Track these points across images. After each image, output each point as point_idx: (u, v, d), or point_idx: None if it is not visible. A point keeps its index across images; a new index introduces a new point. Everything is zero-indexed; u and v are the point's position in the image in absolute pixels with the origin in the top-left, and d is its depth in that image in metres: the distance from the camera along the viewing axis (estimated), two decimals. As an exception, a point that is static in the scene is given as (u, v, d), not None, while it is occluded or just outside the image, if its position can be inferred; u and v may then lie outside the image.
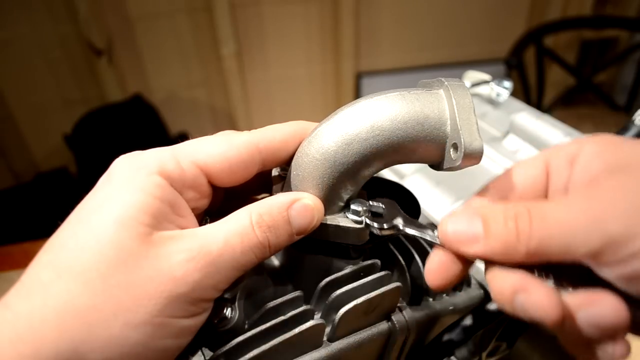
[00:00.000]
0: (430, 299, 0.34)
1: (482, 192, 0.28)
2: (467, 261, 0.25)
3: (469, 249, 0.24)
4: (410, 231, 0.28)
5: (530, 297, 0.22)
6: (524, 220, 0.23)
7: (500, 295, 0.23)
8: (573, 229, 0.21)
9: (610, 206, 0.21)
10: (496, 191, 0.27)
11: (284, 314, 0.27)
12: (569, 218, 0.22)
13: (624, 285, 0.22)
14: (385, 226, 0.28)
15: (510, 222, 0.23)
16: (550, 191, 0.26)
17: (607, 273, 0.22)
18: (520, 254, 0.23)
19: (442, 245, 0.25)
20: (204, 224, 0.27)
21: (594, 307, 0.22)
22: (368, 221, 0.28)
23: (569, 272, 0.23)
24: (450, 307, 0.35)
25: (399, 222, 0.28)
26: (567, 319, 0.22)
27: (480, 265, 0.41)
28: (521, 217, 0.23)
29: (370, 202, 0.29)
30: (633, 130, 0.44)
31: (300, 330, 0.26)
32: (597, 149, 0.25)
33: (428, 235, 0.27)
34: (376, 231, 0.28)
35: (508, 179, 0.27)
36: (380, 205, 0.29)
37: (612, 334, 0.22)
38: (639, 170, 0.22)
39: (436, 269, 0.25)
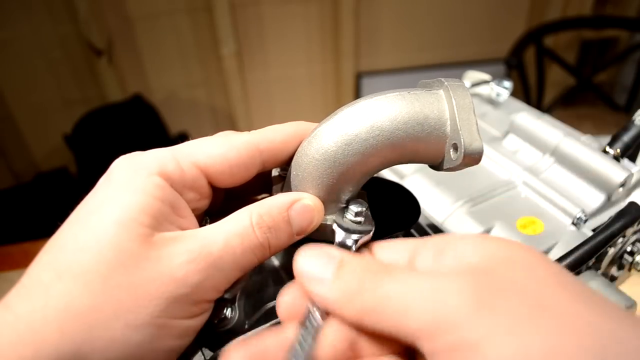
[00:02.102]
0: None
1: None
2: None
3: (313, 287, 0.22)
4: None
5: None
6: (376, 276, 0.21)
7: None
8: (413, 296, 0.19)
9: (456, 287, 0.19)
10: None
11: (284, 314, 0.27)
12: (415, 285, 0.20)
13: None
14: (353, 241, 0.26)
15: (364, 274, 0.21)
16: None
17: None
18: (355, 309, 0.21)
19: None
20: (204, 225, 0.27)
21: None
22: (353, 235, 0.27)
23: None
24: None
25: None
26: None
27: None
28: (376, 273, 0.21)
29: (356, 199, 0.28)
30: (633, 130, 0.44)
31: (300, 330, 0.26)
32: (474, 244, 0.22)
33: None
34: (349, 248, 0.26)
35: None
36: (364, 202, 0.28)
37: None
38: (504, 265, 0.20)
39: (288, 305, 0.23)
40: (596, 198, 0.42)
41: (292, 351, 0.21)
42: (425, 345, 0.19)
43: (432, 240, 0.23)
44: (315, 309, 0.22)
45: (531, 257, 0.20)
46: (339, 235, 0.26)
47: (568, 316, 0.17)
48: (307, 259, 0.23)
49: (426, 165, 0.28)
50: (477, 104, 0.59)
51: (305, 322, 0.22)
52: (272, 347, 0.22)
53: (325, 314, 0.22)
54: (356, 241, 0.26)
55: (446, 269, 0.21)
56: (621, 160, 0.43)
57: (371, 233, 0.26)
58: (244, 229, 0.25)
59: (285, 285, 0.24)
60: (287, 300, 0.23)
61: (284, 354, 0.21)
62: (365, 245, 0.26)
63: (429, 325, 0.18)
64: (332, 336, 0.21)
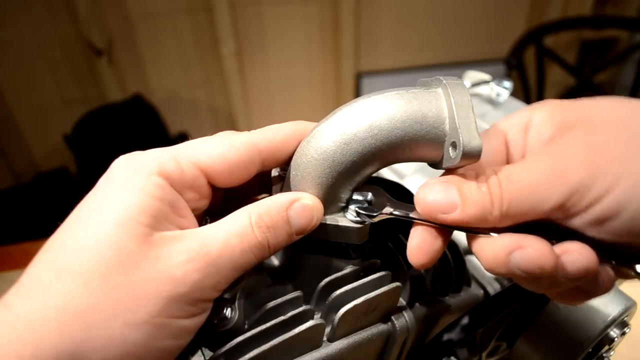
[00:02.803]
0: (430, 299, 0.34)
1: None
2: (446, 235, 0.26)
3: (448, 217, 0.25)
4: (397, 213, 0.28)
5: (526, 252, 0.23)
6: (495, 185, 0.24)
7: (494, 261, 0.24)
8: (538, 185, 0.23)
9: (567, 158, 0.23)
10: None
11: (283, 314, 0.27)
12: (532, 176, 0.23)
13: (594, 232, 0.24)
14: (375, 213, 0.28)
15: (483, 188, 0.24)
16: (512, 160, 0.28)
17: (576, 223, 0.24)
18: (495, 217, 0.24)
19: (423, 221, 0.26)
20: (204, 224, 0.27)
21: (569, 253, 0.23)
22: (358, 212, 0.28)
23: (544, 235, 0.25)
24: (450, 307, 0.35)
25: (387, 207, 0.28)
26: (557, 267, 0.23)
27: (473, 258, 0.41)
28: (492, 182, 0.24)
29: (356, 194, 0.29)
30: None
31: (300, 330, 0.26)
32: (546, 114, 0.26)
33: (416, 214, 0.27)
34: (368, 219, 0.28)
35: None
36: (368, 193, 0.29)
37: (586, 275, 0.23)
38: (587, 124, 0.24)
39: (418, 246, 0.26)
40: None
41: None
42: (561, 214, 0.23)
43: (512, 122, 0.28)
44: None
45: (607, 103, 0.25)
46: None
47: None
48: (429, 193, 0.25)
49: (426, 165, 0.28)
50: (477, 104, 0.59)
51: None
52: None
53: None
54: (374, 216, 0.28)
55: (536, 147, 0.26)
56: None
57: (389, 206, 0.28)
58: (243, 228, 0.25)
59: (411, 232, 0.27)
60: (415, 243, 0.26)
61: None
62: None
63: (561, 200, 0.23)
64: None
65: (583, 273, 0.23)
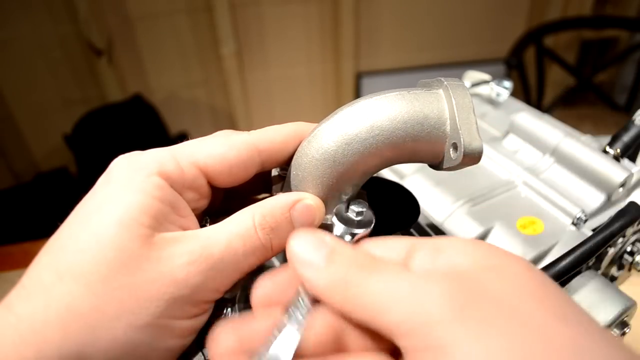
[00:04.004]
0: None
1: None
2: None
3: (302, 270, 0.22)
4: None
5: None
6: (363, 269, 0.21)
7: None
8: (391, 293, 0.19)
9: (435, 288, 0.19)
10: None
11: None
12: (396, 283, 0.20)
13: None
14: (357, 231, 0.26)
15: (352, 265, 0.21)
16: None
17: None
18: (339, 299, 0.21)
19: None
20: (204, 225, 0.27)
21: None
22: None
23: None
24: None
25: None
26: None
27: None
28: (364, 266, 0.21)
29: (356, 199, 0.28)
30: (633, 130, 0.44)
31: (300, 330, 0.26)
32: (466, 248, 0.22)
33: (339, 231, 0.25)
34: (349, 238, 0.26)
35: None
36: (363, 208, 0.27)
37: None
38: (488, 270, 0.20)
39: (268, 290, 0.23)
40: (596, 198, 0.42)
41: (276, 334, 0.21)
42: (400, 342, 0.19)
43: (430, 241, 0.23)
44: (304, 294, 0.22)
45: (519, 267, 0.20)
46: (338, 228, 0.26)
47: (540, 327, 0.17)
48: (301, 242, 0.22)
49: (426, 165, 0.28)
50: (477, 104, 0.59)
51: (291, 307, 0.22)
52: (262, 330, 0.21)
53: (314, 301, 0.22)
54: (353, 235, 0.25)
55: (434, 272, 0.21)
56: (621, 160, 0.43)
57: (370, 229, 0.26)
58: (246, 230, 0.25)
59: (263, 274, 0.23)
60: (267, 285, 0.23)
61: (267, 337, 0.21)
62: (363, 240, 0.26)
63: (404, 324, 0.19)
64: (320, 323, 0.21)
65: None
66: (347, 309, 0.21)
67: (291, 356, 0.20)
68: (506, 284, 0.19)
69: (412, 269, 0.22)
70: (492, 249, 0.22)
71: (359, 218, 0.27)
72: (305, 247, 0.22)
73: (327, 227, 0.28)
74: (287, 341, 0.20)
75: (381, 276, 0.20)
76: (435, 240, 0.23)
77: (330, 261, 0.21)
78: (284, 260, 0.34)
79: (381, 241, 0.24)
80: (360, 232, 0.26)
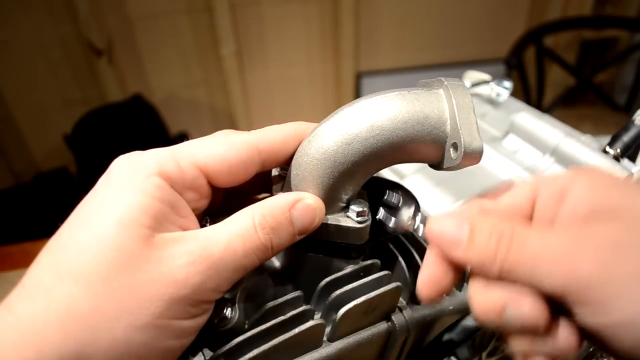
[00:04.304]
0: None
1: (468, 206, 0.27)
2: (457, 271, 0.25)
3: (449, 251, 0.24)
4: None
5: (521, 309, 0.22)
6: (505, 241, 0.23)
7: (487, 310, 0.23)
8: (541, 261, 0.22)
9: (584, 249, 0.21)
10: (480, 207, 0.26)
11: (284, 314, 0.27)
12: (542, 251, 0.22)
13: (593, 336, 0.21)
14: (403, 223, 0.27)
15: (494, 238, 0.23)
16: (535, 220, 0.25)
17: (579, 316, 0.21)
18: (493, 272, 0.23)
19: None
20: (204, 225, 0.27)
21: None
22: (381, 217, 0.28)
23: None
24: (450, 307, 0.35)
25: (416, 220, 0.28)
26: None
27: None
28: (504, 237, 0.23)
29: (388, 194, 0.29)
30: (633, 130, 0.44)
31: (300, 330, 0.26)
32: (588, 188, 0.24)
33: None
34: (390, 229, 0.28)
35: (494, 198, 0.26)
36: (396, 195, 0.28)
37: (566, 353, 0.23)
38: (624, 219, 0.22)
39: (429, 279, 0.25)
40: (596, 198, 0.42)
41: None
42: (561, 299, 0.21)
43: (549, 184, 0.25)
44: None
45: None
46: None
47: None
48: (440, 223, 0.24)
49: (426, 165, 0.28)
50: (477, 104, 0.59)
51: None
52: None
53: None
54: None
55: (566, 222, 0.23)
56: (621, 160, 0.43)
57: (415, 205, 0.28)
58: (246, 230, 0.25)
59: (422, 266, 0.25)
60: (425, 275, 0.25)
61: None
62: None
63: (561, 288, 0.21)
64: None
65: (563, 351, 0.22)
66: (502, 278, 0.23)
67: None
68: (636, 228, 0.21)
69: (540, 221, 0.24)
70: (609, 187, 0.24)
71: (400, 201, 0.29)
72: (445, 226, 0.24)
73: (328, 227, 0.28)
74: None
75: (526, 245, 0.22)
76: (552, 182, 0.25)
77: (472, 237, 0.24)
78: (283, 260, 0.34)
79: (504, 197, 0.26)
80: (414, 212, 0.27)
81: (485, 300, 0.23)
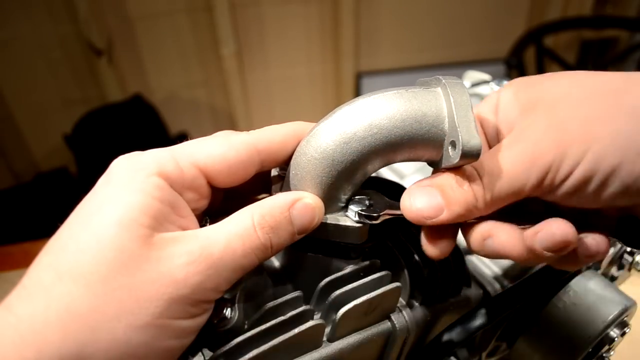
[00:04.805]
0: (430, 299, 0.34)
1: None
2: (453, 226, 0.28)
3: (436, 220, 0.26)
4: (397, 212, 0.28)
5: (497, 239, 0.26)
6: (476, 180, 0.26)
7: (472, 244, 0.27)
8: (514, 173, 0.25)
9: (536, 142, 0.25)
10: None
11: (283, 314, 0.27)
12: (508, 165, 0.25)
13: (574, 202, 0.26)
14: (375, 214, 0.28)
15: (465, 185, 0.26)
16: (489, 142, 0.30)
17: (556, 197, 0.26)
18: (481, 209, 0.26)
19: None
20: (204, 225, 0.27)
21: (544, 232, 0.25)
22: (360, 214, 0.28)
23: (529, 215, 0.27)
24: (450, 307, 0.35)
25: (387, 210, 0.29)
26: (529, 250, 0.25)
27: (472, 258, 0.41)
28: (472, 177, 0.26)
29: (355, 198, 0.29)
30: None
31: (300, 330, 0.26)
32: (511, 94, 0.29)
33: None
34: (369, 222, 0.28)
35: None
36: (365, 197, 0.29)
37: (565, 246, 0.25)
38: (549, 103, 0.26)
39: (430, 238, 0.28)
40: (596, 198, 0.42)
41: None
42: (538, 193, 0.26)
43: (484, 103, 0.30)
44: None
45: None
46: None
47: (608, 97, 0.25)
48: (412, 201, 0.26)
49: (426, 165, 0.28)
50: (477, 104, 0.59)
51: None
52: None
53: None
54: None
55: (506, 126, 0.28)
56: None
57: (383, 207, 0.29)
58: (245, 230, 0.25)
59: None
60: (425, 235, 0.28)
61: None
62: None
63: (537, 182, 0.25)
64: None
65: (557, 247, 0.25)
66: (490, 209, 0.26)
67: None
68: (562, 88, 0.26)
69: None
70: (529, 86, 0.29)
71: (371, 203, 0.29)
72: (421, 202, 0.26)
73: (328, 227, 0.28)
74: None
75: (493, 169, 0.26)
76: (487, 101, 0.30)
77: (447, 197, 0.26)
78: (283, 260, 0.34)
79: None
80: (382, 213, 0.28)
81: (470, 237, 0.27)
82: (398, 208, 0.28)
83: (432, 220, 0.26)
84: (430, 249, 0.28)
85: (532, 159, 0.25)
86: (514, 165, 0.25)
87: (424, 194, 0.26)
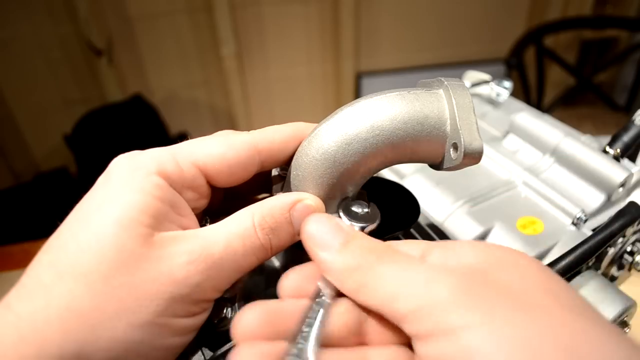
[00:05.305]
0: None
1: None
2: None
3: (319, 249, 0.23)
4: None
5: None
6: (378, 257, 0.22)
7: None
8: (406, 284, 0.20)
9: (445, 281, 0.20)
10: None
11: (283, 314, 0.27)
12: (410, 275, 0.21)
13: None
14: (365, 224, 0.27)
15: (367, 252, 0.22)
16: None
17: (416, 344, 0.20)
18: (352, 283, 0.22)
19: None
20: (204, 224, 0.27)
21: None
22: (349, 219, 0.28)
23: None
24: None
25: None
26: None
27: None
28: (377, 253, 0.22)
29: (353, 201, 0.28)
30: (633, 130, 0.44)
31: (300, 330, 0.26)
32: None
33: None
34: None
35: None
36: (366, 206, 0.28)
37: None
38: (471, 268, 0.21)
39: (293, 284, 0.24)
40: (596, 198, 0.42)
41: (301, 323, 0.21)
42: (407, 328, 0.20)
43: (443, 242, 0.24)
44: (326, 285, 0.23)
45: (525, 262, 0.22)
46: (344, 222, 0.26)
47: (547, 315, 0.18)
48: (318, 225, 0.24)
49: (426, 165, 0.28)
50: (477, 104, 0.59)
51: (314, 298, 0.23)
52: (288, 310, 0.22)
53: (335, 294, 0.23)
54: (361, 229, 0.26)
55: (446, 265, 0.22)
56: (621, 160, 0.43)
57: (376, 223, 0.27)
58: (245, 230, 0.25)
59: (290, 269, 0.24)
60: (293, 278, 0.24)
61: (295, 322, 0.22)
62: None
63: (413, 310, 0.19)
64: (341, 314, 0.22)
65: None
66: (361, 295, 0.22)
67: (314, 347, 0.21)
68: (514, 275, 0.20)
69: (425, 263, 0.22)
70: (502, 248, 0.23)
71: (364, 212, 0.27)
72: (322, 230, 0.23)
73: None
74: (310, 332, 0.21)
75: (395, 264, 0.21)
76: (448, 242, 0.24)
77: (346, 245, 0.23)
78: (283, 260, 0.34)
79: (396, 242, 0.25)
80: (367, 226, 0.26)
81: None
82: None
83: (316, 246, 0.23)
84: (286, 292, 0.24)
85: (426, 284, 0.20)
86: (400, 281, 0.21)
87: (333, 225, 0.24)
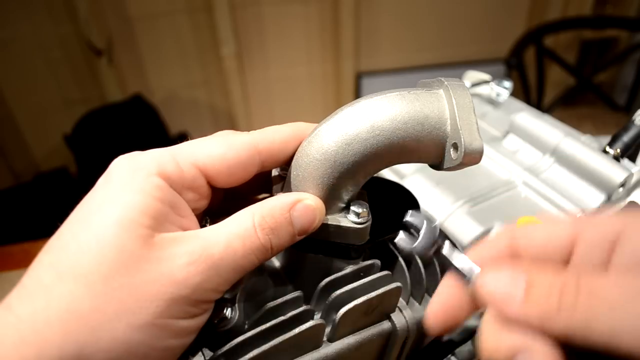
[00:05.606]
0: (431, 299, 0.34)
1: (497, 236, 0.24)
2: (475, 307, 0.23)
3: (503, 307, 0.20)
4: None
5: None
6: (570, 292, 0.19)
7: (496, 353, 0.20)
8: (624, 311, 0.18)
9: None
10: (511, 240, 0.24)
11: (283, 314, 0.27)
12: (621, 298, 0.18)
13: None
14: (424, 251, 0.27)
15: (555, 291, 0.20)
16: (578, 264, 0.22)
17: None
18: (557, 329, 0.19)
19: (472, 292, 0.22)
20: (204, 225, 0.27)
21: None
22: (400, 240, 0.28)
23: None
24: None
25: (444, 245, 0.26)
26: None
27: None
28: (567, 289, 0.19)
29: (356, 200, 0.28)
30: (633, 130, 0.44)
31: (300, 330, 0.26)
32: None
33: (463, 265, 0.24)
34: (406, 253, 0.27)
35: (527, 234, 0.24)
36: (418, 218, 0.28)
37: None
38: None
39: (441, 307, 0.23)
40: (596, 198, 0.42)
41: None
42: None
43: (595, 226, 0.22)
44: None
45: None
46: (460, 260, 0.24)
47: None
48: (492, 279, 0.21)
49: (426, 165, 0.28)
50: (477, 104, 0.59)
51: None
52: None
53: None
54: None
55: (629, 271, 0.20)
56: (621, 160, 0.43)
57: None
58: (245, 230, 0.25)
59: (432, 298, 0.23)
60: (438, 301, 0.23)
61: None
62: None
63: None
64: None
65: None
66: (569, 337, 0.19)
67: None
68: None
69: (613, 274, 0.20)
70: None
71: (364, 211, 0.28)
72: (498, 282, 0.21)
73: (329, 228, 0.28)
74: None
75: (595, 297, 0.19)
76: (596, 226, 0.22)
77: (532, 292, 0.20)
78: (283, 260, 0.34)
79: (539, 233, 0.23)
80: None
81: (496, 342, 0.20)
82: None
83: (498, 306, 0.21)
84: (435, 319, 0.23)
85: None
86: (629, 301, 0.18)
87: (508, 277, 0.21)
